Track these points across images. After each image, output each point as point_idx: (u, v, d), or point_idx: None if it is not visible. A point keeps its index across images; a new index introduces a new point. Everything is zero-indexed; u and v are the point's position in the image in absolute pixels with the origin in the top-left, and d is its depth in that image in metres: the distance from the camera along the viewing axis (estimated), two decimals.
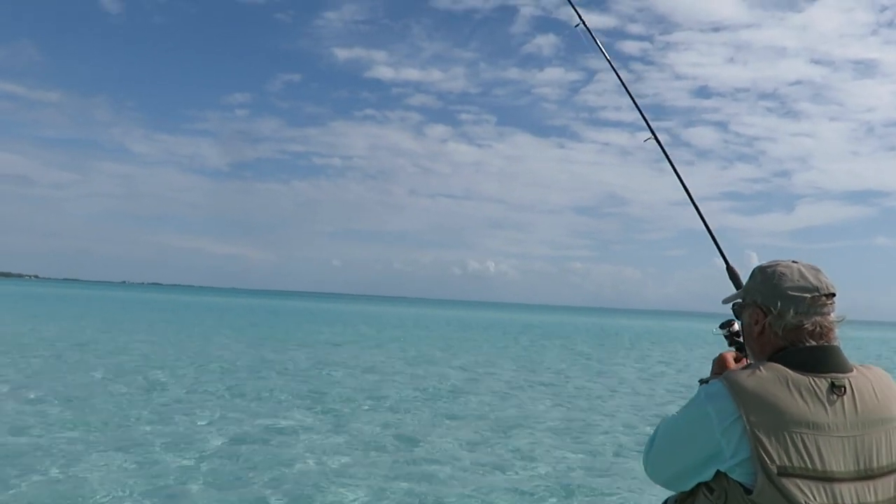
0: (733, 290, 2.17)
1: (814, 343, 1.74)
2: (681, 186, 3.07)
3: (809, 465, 1.58)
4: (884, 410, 1.70)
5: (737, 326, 2.24)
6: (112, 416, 10.97)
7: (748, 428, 1.60)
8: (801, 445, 1.59)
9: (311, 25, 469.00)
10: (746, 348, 1.94)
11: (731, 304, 2.03)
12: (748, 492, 1.60)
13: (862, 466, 1.63)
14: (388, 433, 10.78)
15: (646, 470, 1.89)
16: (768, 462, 1.57)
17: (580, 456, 9.90)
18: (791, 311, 1.76)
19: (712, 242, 2.75)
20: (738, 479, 1.62)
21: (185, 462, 8.52)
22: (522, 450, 10.07)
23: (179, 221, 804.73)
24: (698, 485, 1.74)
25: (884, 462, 1.66)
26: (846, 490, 1.60)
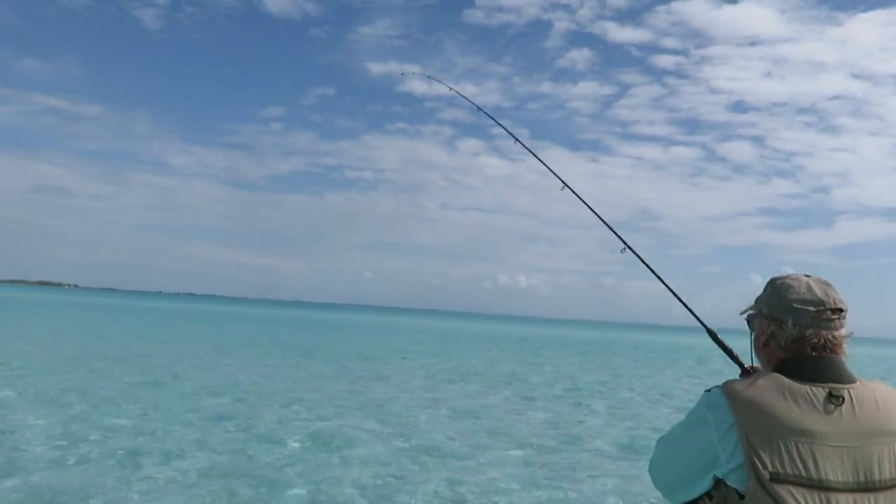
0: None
1: (815, 355, 1.76)
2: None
3: (803, 473, 1.59)
4: (887, 423, 1.69)
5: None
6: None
7: (742, 434, 1.62)
8: (794, 453, 1.60)
9: (345, 40, 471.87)
10: (755, 358, 1.96)
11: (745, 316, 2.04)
12: (742, 497, 1.62)
13: (862, 478, 1.62)
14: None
15: (650, 474, 1.93)
16: (760, 468, 1.59)
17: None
18: (792, 322, 1.79)
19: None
20: (733, 486, 1.63)
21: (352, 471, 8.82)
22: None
23: (213, 233, 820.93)
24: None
25: (886, 475, 1.64)
26: (843, 501, 1.59)
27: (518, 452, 10.71)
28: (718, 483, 1.68)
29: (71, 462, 8.57)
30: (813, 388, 1.68)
